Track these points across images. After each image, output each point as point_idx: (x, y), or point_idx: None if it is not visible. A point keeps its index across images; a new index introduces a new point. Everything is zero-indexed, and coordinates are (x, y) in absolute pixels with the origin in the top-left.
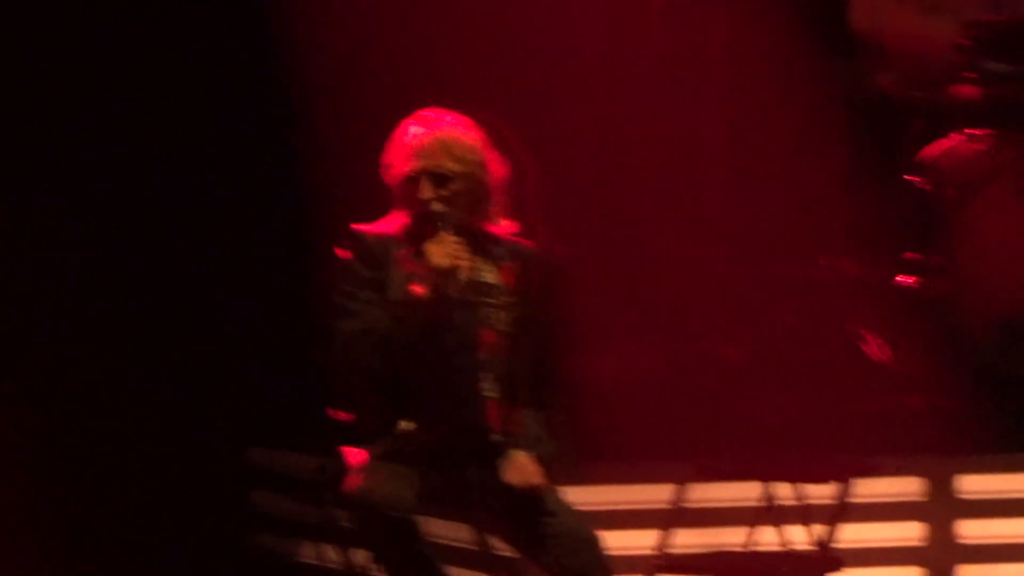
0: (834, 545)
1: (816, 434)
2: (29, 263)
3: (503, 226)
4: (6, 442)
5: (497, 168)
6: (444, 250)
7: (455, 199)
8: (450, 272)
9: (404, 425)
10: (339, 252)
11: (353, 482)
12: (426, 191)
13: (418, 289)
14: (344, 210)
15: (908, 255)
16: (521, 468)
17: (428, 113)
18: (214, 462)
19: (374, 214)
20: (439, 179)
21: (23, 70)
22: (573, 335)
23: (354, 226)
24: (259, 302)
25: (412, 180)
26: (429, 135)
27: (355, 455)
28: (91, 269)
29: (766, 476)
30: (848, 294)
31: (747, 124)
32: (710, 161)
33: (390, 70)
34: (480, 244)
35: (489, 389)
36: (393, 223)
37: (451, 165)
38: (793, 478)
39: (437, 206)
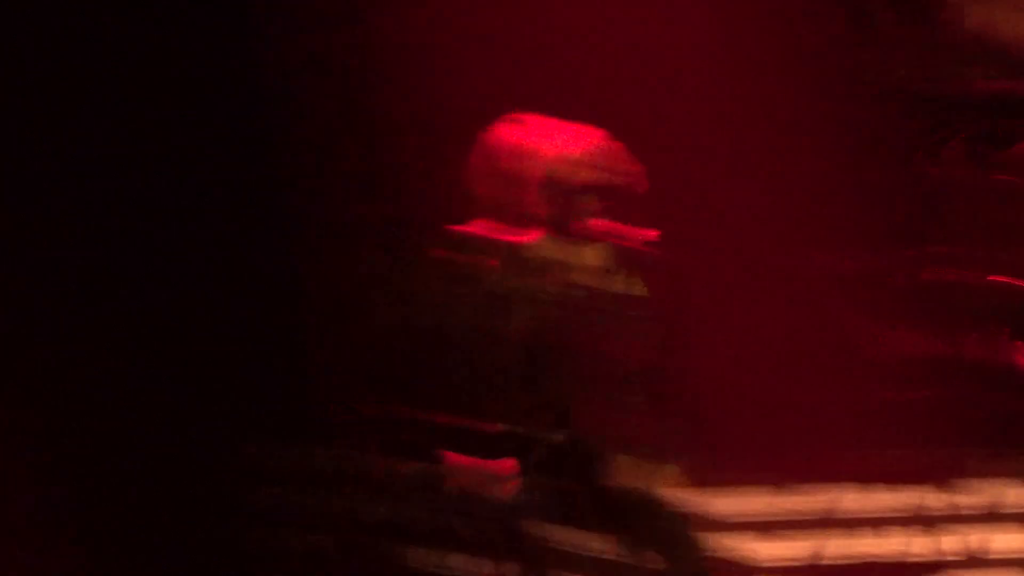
0: (951, 550)
1: (933, 432)
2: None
3: (623, 232)
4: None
5: (632, 176)
6: (578, 256)
7: (606, 210)
8: (587, 277)
9: (527, 431)
10: (442, 255)
11: (479, 485)
12: (587, 204)
13: (552, 295)
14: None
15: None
16: (641, 473)
17: (544, 120)
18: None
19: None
20: (598, 191)
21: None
22: (692, 340)
23: (473, 234)
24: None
25: (568, 192)
26: (581, 146)
27: (479, 460)
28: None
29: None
30: (949, 292)
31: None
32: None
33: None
34: (605, 251)
35: (614, 396)
36: (504, 230)
37: (608, 177)
38: (908, 480)
39: (597, 219)
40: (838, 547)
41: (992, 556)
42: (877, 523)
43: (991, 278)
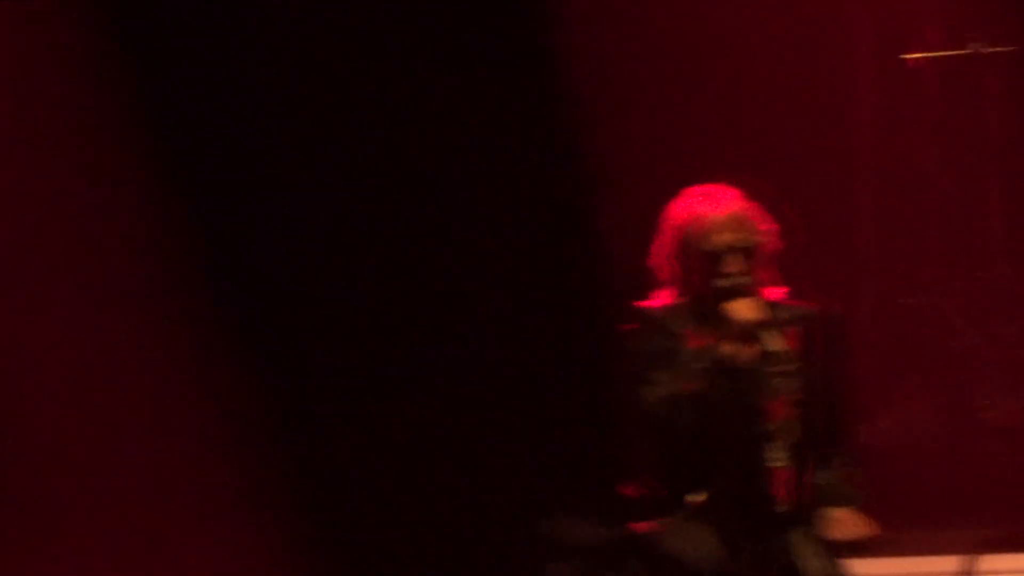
0: None
1: None
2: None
3: (778, 291)
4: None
5: (772, 235)
6: (747, 309)
7: (752, 269)
8: (757, 327)
9: (693, 496)
10: (627, 328)
11: (656, 546)
12: (733, 265)
13: (722, 354)
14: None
15: None
16: (844, 523)
17: (707, 189)
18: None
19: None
20: (742, 252)
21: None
22: (856, 395)
23: (638, 303)
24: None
25: (714, 255)
26: (724, 210)
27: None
28: None
29: None
30: None
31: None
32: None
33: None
34: (773, 310)
35: (777, 459)
36: (672, 297)
37: (752, 237)
38: None
39: (744, 279)
40: None
41: None
42: None
43: None
